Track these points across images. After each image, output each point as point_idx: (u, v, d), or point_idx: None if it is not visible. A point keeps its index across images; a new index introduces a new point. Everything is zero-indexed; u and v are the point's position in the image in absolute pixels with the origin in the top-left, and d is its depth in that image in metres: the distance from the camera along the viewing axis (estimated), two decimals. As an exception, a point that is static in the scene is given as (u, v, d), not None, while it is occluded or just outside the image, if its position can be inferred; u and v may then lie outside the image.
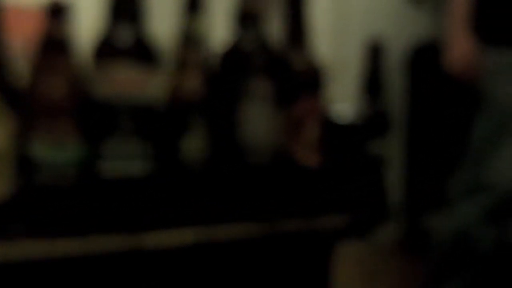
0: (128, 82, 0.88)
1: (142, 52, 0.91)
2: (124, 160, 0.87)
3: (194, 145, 0.91)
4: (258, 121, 0.97)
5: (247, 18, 1.01)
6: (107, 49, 0.89)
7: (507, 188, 1.43)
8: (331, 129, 1.15)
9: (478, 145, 1.51)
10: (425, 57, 2.80)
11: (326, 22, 2.74)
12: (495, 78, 1.48)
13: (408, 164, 2.76)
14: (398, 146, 2.72)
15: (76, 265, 0.78)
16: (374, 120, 1.88)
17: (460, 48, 1.55)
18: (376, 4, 2.92)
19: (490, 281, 1.48)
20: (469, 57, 1.54)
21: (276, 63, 1.03)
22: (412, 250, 2.69)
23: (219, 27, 1.04)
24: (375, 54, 2.10)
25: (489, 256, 1.46)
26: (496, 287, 1.53)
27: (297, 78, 1.06)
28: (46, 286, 0.77)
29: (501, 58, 1.48)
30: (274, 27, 1.07)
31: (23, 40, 0.93)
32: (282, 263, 0.91)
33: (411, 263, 2.37)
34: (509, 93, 1.46)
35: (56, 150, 0.83)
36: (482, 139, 1.49)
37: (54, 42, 0.85)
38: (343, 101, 2.17)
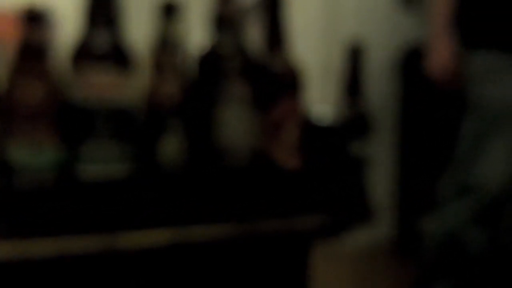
0: (105, 86, 0.89)
1: (119, 57, 0.92)
2: (102, 163, 0.88)
3: (171, 147, 0.92)
4: (235, 123, 0.98)
5: (224, 22, 1.02)
6: (84, 54, 0.91)
7: (494, 190, 1.45)
8: (311, 131, 1.16)
9: (465, 147, 1.52)
10: (414, 60, 2.82)
11: (315, 25, 2.76)
12: (480, 81, 1.50)
13: (398, 165, 2.78)
14: (386, 148, 2.74)
15: (54, 265, 0.79)
16: (354, 122, 1.90)
17: (441, 53, 1.56)
18: (365, 8, 2.94)
19: (480, 282, 1.49)
20: (450, 62, 1.56)
21: (253, 66, 1.05)
22: (403, 253, 2.71)
23: (196, 31, 1.05)
24: (356, 55, 2.11)
25: (478, 258, 1.47)
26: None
27: (275, 81, 1.07)
28: (22, 286, 0.78)
29: (485, 61, 1.49)
30: (252, 30, 1.09)
31: (0, 44, 0.94)
32: (260, 264, 0.92)
33: (403, 266, 2.38)
34: (494, 96, 1.48)
35: (35, 154, 0.84)
36: (469, 141, 1.51)
37: (32, 47, 0.87)
38: (327, 103, 2.19)
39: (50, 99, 0.87)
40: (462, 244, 1.45)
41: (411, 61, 2.92)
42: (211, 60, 1.01)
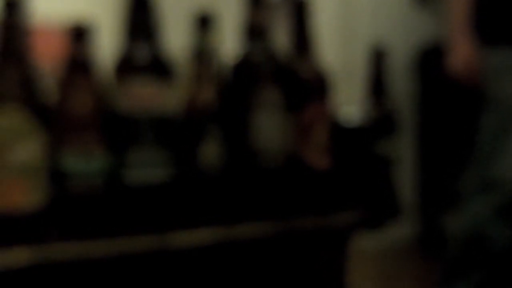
0: (147, 96, 0.95)
1: (159, 68, 0.97)
2: (147, 168, 0.93)
3: (210, 152, 0.97)
4: (269, 127, 1.03)
5: (255, 31, 1.07)
6: (126, 66, 0.96)
7: None
8: (339, 132, 1.21)
9: (485, 143, 1.54)
10: (432, 59, 2.84)
11: (333, 27, 2.80)
12: (497, 78, 1.52)
13: (420, 164, 2.81)
14: (408, 147, 2.76)
15: (107, 265, 0.85)
16: (380, 122, 1.93)
17: (461, 51, 1.59)
18: (381, 8, 2.97)
19: (504, 279, 1.51)
20: (470, 60, 1.58)
21: (284, 72, 1.10)
22: (427, 250, 2.72)
23: (229, 41, 1.11)
24: (379, 57, 2.14)
25: (503, 253, 1.48)
26: (510, 285, 1.56)
27: (305, 85, 1.12)
28: (78, 286, 0.83)
29: (502, 58, 1.51)
30: (281, 37, 1.14)
31: (49, 59, 1.00)
32: (298, 260, 0.97)
33: (427, 264, 2.40)
34: (509, 93, 1.50)
35: (85, 162, 0.89)
36: (489, 137, 1.53)
37: (77, 62, 0.93)
38: (351, 104, 2.22)
39: (97, 110, 0.93)
40: (486, 239, 1.47)
41: (428, 60, 2.94)
42: (244, 68, 1.06)
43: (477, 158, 1.54)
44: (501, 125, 1.49)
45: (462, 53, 1.59)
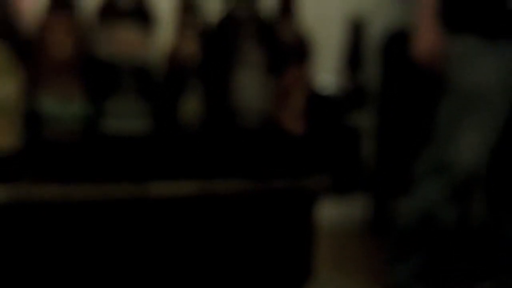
0: (129, 43, 0.93)
1: (143, 15, 0.95)
2: (125, 118, 0.91)
3: (190, 106, 0.96)
4: (249, 86, 1.02)
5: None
6: (110, 10, 0.93)
7: (467, 168, 1.50)
8: (314, 99, 1.21)
9: (441, 127, 1.58)
10: (398, 42, 2.88)
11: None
12: (459, 64, 1.55)
13: (379, 140, 2.85)
14: (373, 120, 2.80)
15: (81, 210, 0.83)
16: (353, 94, 1.95)
17: (427, 37, 1.62)
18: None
19: (450, 257, 1.56)
20: (435, 46, 1.61)
21: (267, 32, 1.09)
22: (378, 231, 2.78)
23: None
24: (356, 31, 2.15)
25: (450, 233, 1.53)
26: (456, 263, 1.62)
27: (286, 48, 1.12)
28: (55, 227, 0.82)
29: (466, 46, 1.55)
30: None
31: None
32: (270, 218, 0.98)
33: (377, 244, 2.46)
34: (471, 78, 1.53)
35: (62, 105, 0.87)
36: (446, 121, 1.57)
37: (60, 2, 0.89)
38: (326, 73, 2.24)
39: (77, 53, 0.90)
40: (435, 220, 1.51)
41: (395, 43, 2.97)
42: (228, 25, 1.04)
43: (433, 142, 1.58)
44: (458, 111, 1.53)
45: (427, 39, 1.62)
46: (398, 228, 1.66)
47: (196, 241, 0.91)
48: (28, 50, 0.87)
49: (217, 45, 1.02)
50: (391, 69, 2.82)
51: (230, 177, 0.94)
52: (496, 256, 1.62)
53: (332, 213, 2.57)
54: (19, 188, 0.78)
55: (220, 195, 0.91)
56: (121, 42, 0.92)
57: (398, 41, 2.81)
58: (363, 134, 2.07)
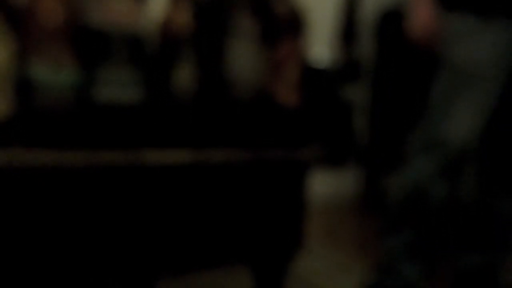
0: (121, 12, 0.92)
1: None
2: (117, 86, 0.91)
3: (183, 76, 0.96)
4: (243, 57, 1.02)
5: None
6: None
7: (459, 145, 1.51)
8: (308, 72, 1.21)
9: (434, 105, 1.58)
10: (393, 20, 2.86)
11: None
12: (453, 42, 1.55)
13: (372, 114, 2.84)
14: (366, 94, 2.80)
15: (73, 175, 0.84)
16: (347, 68, 1.94)
17: (421, 14, 1.61)
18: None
19: (440, 233, 1.57)
20: (430, 24, 1.60)
21: (261, 3, 1.08)
22: (370, 205, 2.80)
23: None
24: (351, 4, 2.14)
25: (440, 210, 1.54)
26: (444, 239, 1.63)
27: (280, 21, 1.11)
28: (48, 192, 0.82)
29: (461, 24, 1.54)
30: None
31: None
32: (263, 186, 0.99)
33: (369, 217, 2.48)
34: (465, 56, 1.53)
35: (53, 73, 0.87)
36: (438, 99, 1.57)
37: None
38: (319, 47, 2.22)
39: (69, 21, 0.89)
40: (425, 197, 1.52)
41: (389, 21, 2.95)
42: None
43: (426, 119, 1.59)
44: (452, 88, 1.53)
45: (421, 17, 1.61)
46: (389, 202, 1.67)
47: (188, 208, 0.92)
48: (19, 19, 0.87)
49: (211, 16, 1.02)
50: (385, 45, 2.81)
51: (223, 146, 0.94)
52: (485, 230, 1.64)
53: (324, 187, 2.58)
54: (12, 154, 0.78)
55: (213, 164, 0.92)
56: (113, 11, 0.91)
57: (392, 17, 2.79)
58: (356, 108, 2.08)
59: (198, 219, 0.93)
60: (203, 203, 0.93)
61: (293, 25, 1.14)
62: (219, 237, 0.95)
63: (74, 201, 0.84)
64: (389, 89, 2.84)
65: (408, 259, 1.59)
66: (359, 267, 1.72)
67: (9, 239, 0.80)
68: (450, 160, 1.54)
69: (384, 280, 1.50)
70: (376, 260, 1.50)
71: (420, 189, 1.57)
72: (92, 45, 0.91)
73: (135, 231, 0.89)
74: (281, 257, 1.01)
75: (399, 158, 1.76)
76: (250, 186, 0.96)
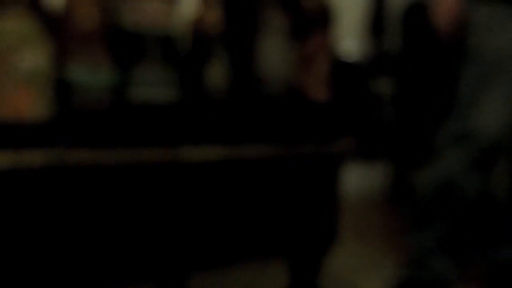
0: (154, 13, 0.94)
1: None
2: (152, 86, 0.93)
3: (216, 74, 0.97)
4: (273, 53, 1.03)
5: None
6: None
7: (491, 137, 1.49)
8: (338, 65, 1.22)
9: (464, 97, 1.56)
10: (420, 10, 2.84)
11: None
12: (481, 31, 1.53)
13: (401, 107, 2.83)
14: (395, 87, 2.78)
15: (111, 173, 0.86)
16: (377, 61, 1.94)
17: (446, 5, 1.59)
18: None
19: (472, 227, 1.56)
20: (456, 13, 1.58)
21: (289, 0, 1.09)
22: (398, 201, 2.78)
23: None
24: (379, -1, 2.15)
25: (472, 203, 1.52)
26: (478, 233, 1.62)
27: (309, 16, 1.12)
28: (90, 189, 0.85)
29: (488, 13, 1.52)
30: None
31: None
32: (298, 180, 1.00)
33: (398, 213, 2.47)
34: (493, 45, 1.51)
35: (90, 74, 0.89)
36: (468, 91, 1.55)
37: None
38: (348, 40, 2.21)
39: (104, 23, 0.91)
40: (457, 190, 1.51)
41: (416, 12, 2.93)
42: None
43: (456, 110, 1.57)
44: (482, 79, 1.51)
45: (446, 7, 1.59)
46: (419, 196, 1.66)
47: (225, 203, 0.94)
48: (57, 22, 0.89)
49: (241, 13, 1.03)
50: (413, 37, 2.79)
51: (256, 142, 0.96)
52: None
53: (354, 181, 2.58)
54: (53, 154, 0.81)
55: (248, 159, 0.93)
56: (146, 12, 0.93)
57: (419, 9, 2.77)
58: (386, 100, 2.07)
59: (234, 215, 0.95)
60: (238, 199, 0.94)
61: (322, 20, 1.15)
62: (254, 232, 0.97)
63: (113, 198, 0.87)
64: (418, 82, 2.82)
65: (439, 254, 1.58)
66: (389, 262, 1.72)
67: (56, 236, 0.82)
68: (481, 152, 1.52)
69: (415, 275, 1.49)
70: (407, 255, 1.50)
71: (452, 182, 1.56)
72: (126, 46, 0.93)
73: (173, 226, 0.91)
74: (316, 252, 1.02)
75: (429, 151, 1.76)
76: (284, 181, 0.98)
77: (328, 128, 1.07)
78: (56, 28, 0.88)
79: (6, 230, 0.79)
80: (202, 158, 0.89)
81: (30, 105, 0.84)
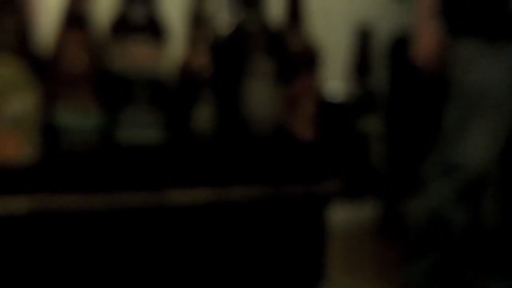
0: (142, 57, 0.95)
1: (154, 29, 0.98)
2: (139, 128, 0.94)
3: (203, 116, 0.98)
4: (260, 96, 1.05)
5: (248, 1, 1.08)
6: (122, 26, 0.96)
7: (476, 169, 1.51)
8: (324, 106, 1.23)
9: (449, 129, 1.58)
10: (404, 47, 2.90)
11: (315, 5, 2.81)
12: (463, 67, 1.56)
13: (388, 143, 2.86)
14: (382, 124, 2.82)
15: (97, 218, 0.86)
16: (362, 100, 1.96)
17: (425, 40, 1.63)
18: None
19: (462, 259, 1.57)
20: (434, 49, 1.62)
21: (275, 43, 1.11)
22: (388, 233, 2.79)
23: (223, 9, 1.11)
24: (363, 37, 2.16)
25: (461, 235, 1.53)
26: (467, 265, 1.63)
27: (295, 58, 1.14)
28: (73, 236, 0.84)
29: (468, 48, 1.56)
30: (273, 9, 1.15)
31: (46, 13, 0.99)
32: (283, 222, 1.00)
33: (387, 245, 2.47)
34: (476, 80, 1.54)
35: (78, 117, 0.89)
36: (453, 124, 1.57)
37: (76, 18, 0.92)
38: (333, 80, 2.24)
39: (92, 67, 0.92)
40: (446, 222, 1.52)
41: (399, 47, 2.99)
42: (238, 37, 1.07)
43: (441, 143, 1.59)
44: (465, 112, 1.54)
45: (426, 43, 1.63)
46: (409, 229, 1.67)
47: (212, 245, 0.93)
48: (44, 65, 0.90)
49: (227, 57, 1.05)
50: (398, 73, 2.84)
51: (243, 184, 0.96)
52: (510, 256, 1.62)
53: (343, 216, 2.58)
54: (38, 199, 0.81)
55: (235, 201, 0.93)
56: (134, 56, 0.95)
57: (403, 46, 2.82)
58: (373, 138, 2.09)
59: (220, 256, 0.95)
60: (225, 240, 0.94)
61: (307, 61, 1.17)
62: (242, 274, 0.96)
63: (102, 244, 0.86)
64: (403, 117, 2.85)
65: (430, 286, 1.57)
66: (381, 296, 1.71)
67: (38, 285, 0.82)
68: (467, 184, 1.54)
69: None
70: (399, 287, 1.49)
71: (439, 215, 1.57)
72: (115, 89, 0.94)
73: (162, 271, 0.91)
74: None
75: (416, 185, 1.77)
76: (271, 222, 0.98)
77: (315, 168, 1.08)
78: (44, 72, 0.89)
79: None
80: (189, 201, 0.90)
81: (17, 150, 0.84)
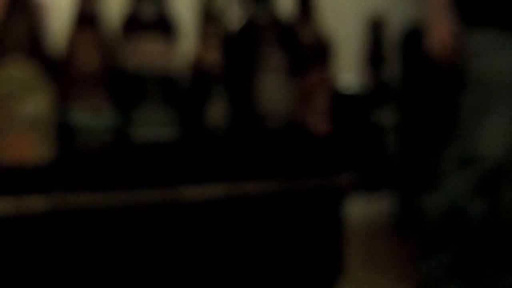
0: (153, 54, 0.95)
1: (165, 26, 0.98)
2: (153, 126, 0.94)
3: (216, 112, 0.98)
4: (273, 90, 1.04)
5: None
6: (133, 24, 0.96)
7: (494, 161, 1.49)
8: (338, 98, 1.23)
9: (464, 121, 1.57)
10: (417, 38, 2.88)
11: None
12: (479, 57, 1.54)
13: (403, 136, 2.83)
14: (396, 116, 2.80)
15: (113, 216, 0.86)
16: (376, 91, 1.95)
17: (439, 31, 1.61)
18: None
19: (479, 252, 1.55)
20: (449, 39, 1.60)
21: (287, 36, 1.10)
22: (406, 227, 2.77)
23: (234, 4, 1.11)
24: (376, 29, 2.15)
25: (479, 228, 1.52)
26: (485, 258, 1.61)
27: (307, 51, 1.13)
28: (94, 234, 0.85)
29: (484, 38, 1.54)
30: (284, 2, 1.14)
31: (57, 14, 0.99)
32: (299, 216, 1.00)
33: (404, 240, 2.45)
34: (492, 70, 1.52)
35: (92, 117, 0.90)
36: (468, 115, 1.55)
37: (87, 17, 0.92)
38: (347, 73, 2.23)
39: (104, 66, 0.93)
40: (463, 215, 1.50)
41: (412, 38, 2.96)
42: (249, 31, 1.06)
43: (457, 135, 1.57)
44: (481, 103, 1.52)
45: (439, 33, 1.61)
46: (426, 223, 1.65)
47: (228, 241, 0.93)
48: (56, 66, 0.90)
49: (239, 51, 1.05)
50: (411, 65, 2.81)
51: (258, 178, 0.96)
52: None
53: (359, 210, 2.57)
54: (55, 198, 0.81)
55: (250, 196, 0.93)
56: (146, 54, 0.95)
57: (416, 37, 2.80)
58: (388, 130, 2.08)
59: (237, 252, 0.95)
60: (241, 235, 0.94)
61: (320, 54, 1.16)
62: (259, 269, 0.96)
63: (118, 242, 0.87)
64: (418, 109, 2.83)
65: (448, 281, 1.56)
66: (398, 290, 1.70)
67: (57, 283, 0.82)
68: (485, 176, 1.52)
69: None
70: (415, 282, 1.48)
71: (457, 208, 1.55)
72: (127, 88, 0.94)
73: (176, 266, 0.91)
74: (323, 285, 1.01)
75: (432, 178, 1.75)
76: (287, 216, 0.97)
77: (330, 162, 1.07)
78: (56, 72, 0.89)
79: (8, 278, 0.79)
80: (204, 197, 0.90)
81: (32, 150, 0.85)
